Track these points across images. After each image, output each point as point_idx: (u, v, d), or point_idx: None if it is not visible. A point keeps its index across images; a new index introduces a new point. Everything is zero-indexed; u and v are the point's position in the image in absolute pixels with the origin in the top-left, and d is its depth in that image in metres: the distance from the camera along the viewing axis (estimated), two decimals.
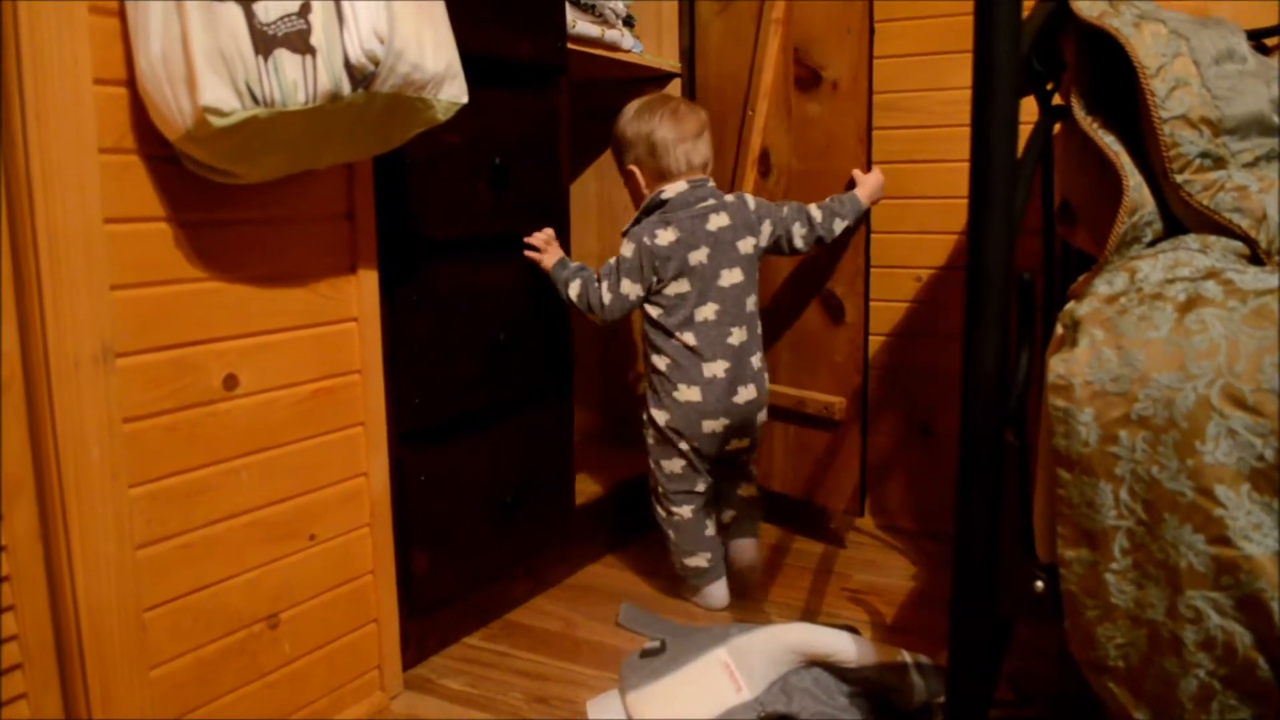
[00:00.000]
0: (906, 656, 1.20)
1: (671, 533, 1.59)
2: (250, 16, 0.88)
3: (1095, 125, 1.00)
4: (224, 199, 1.04)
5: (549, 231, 1.53)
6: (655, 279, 1.50)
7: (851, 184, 1.66)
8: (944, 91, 1.79)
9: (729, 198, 1.56)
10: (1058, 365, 0.75)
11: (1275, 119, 0.99)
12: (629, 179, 1.59)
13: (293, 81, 0.89)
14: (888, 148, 1.82)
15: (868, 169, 1.65)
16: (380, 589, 1.28)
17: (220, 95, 0.87)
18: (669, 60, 1.93)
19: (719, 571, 1.58)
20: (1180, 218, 0.98)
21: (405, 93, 0.98)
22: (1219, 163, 0.97)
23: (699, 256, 1.50)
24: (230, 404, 1.07)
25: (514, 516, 1.51)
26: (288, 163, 1.03)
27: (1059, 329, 0.79)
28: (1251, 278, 0.74)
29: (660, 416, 1.54)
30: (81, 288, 0.91)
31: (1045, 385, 0.75)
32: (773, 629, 1.27)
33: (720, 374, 1.52)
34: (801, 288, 1.78)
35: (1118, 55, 0.98)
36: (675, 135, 1.52)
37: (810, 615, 1.55)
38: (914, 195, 1.84)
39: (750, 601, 1.61)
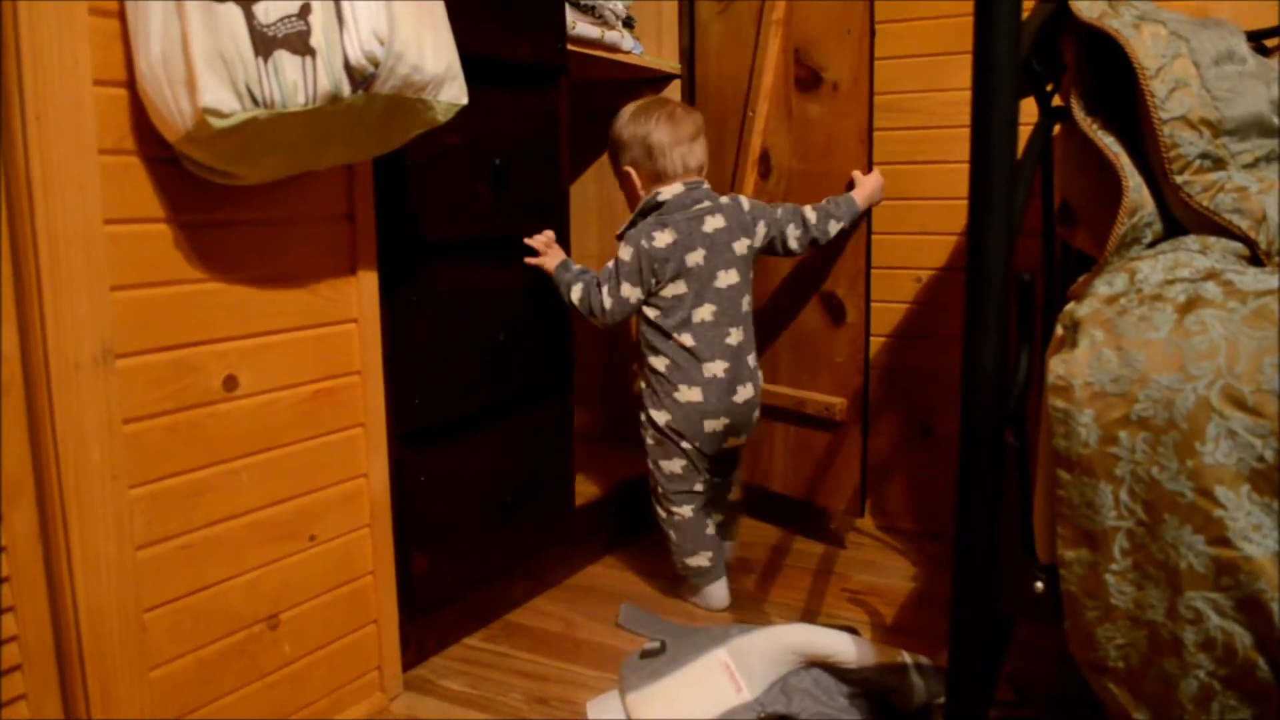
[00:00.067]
0: (906, 657, 1.20)
1: (672, 533, 1.59)
2: (250, 18, 0.88)
3: (1095, 126, 1.00)
4: (224, 200, 1.04)
5: (549, 233, 1.53)
6: (654, 281, 1.51)
7: (851, 185, 1.66)
8: (945, 93, 1.79)
9: (724, 199, 1.57)
10: (1058, 366, 0.75)
11: (1275, 120, 0.99)
12: (625, 180, 1.60)
13: (293, 83, 0.89)
14: (888, 149, 1.82)
15: (868, 170, 1.65)
16: (380, 590, 1.28)
17: (220, 97, 0.87)
18: (669, 61, 1.93)
19: (720, 571, 1.59)
20: (1180, 219, 0.98)
21: (405, 94, 0.98)
22: (1219, 164, 0.97)
23: (696, 258, 1.51)
24: (230, 405, 1.07)
25: (514, 517, 1.51)
26: (287, 164, 1.03)
27: (1059, 330, 0.79)
28: (1251, 279, 0.74)
29: (660, 417, 1.54)
30: (81, 289, 0.91)
31: (1045, 386, 0.75)
32: (773, 630, 1.27)
33: (720, 374, 1.52)
34: (802, 289, 1.78)
35: (1118, 56, 0.98)
36: (671, 138, 1.53)
37: (810, 616, 1.55)
38: (915, 196, 1.84)
39: (750, 602, 1.61)
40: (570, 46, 1.57)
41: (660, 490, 1.59)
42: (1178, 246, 0.93)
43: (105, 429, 0.93)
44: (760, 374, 1.61)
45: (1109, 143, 0.99)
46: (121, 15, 0.93)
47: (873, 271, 1.83)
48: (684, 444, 1.54)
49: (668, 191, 1.53)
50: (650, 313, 1.53)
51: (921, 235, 1.85)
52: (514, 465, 1.51)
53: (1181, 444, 0.68)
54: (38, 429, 0.90)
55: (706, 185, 1.57)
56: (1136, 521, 0.71)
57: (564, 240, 1.57)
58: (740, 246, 1.55)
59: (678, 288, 1.51)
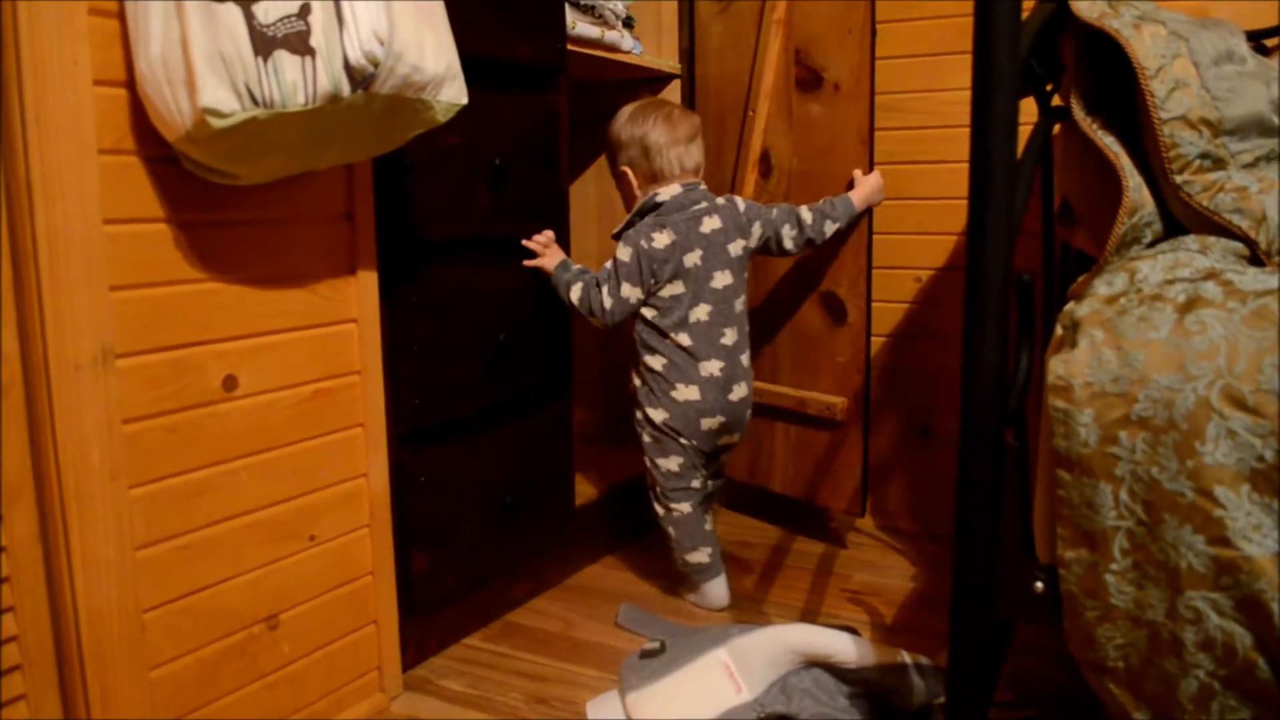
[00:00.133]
0: (906, 657, 1.20)
1: (672, 529, 1.59)
2: (250, 18, 0.88)
3: (1095, 126, 1.00)
4: (223, 200, 1.04)
5: (549, 233, 1.53)
6: (653, 281, 1.51)
7: (851, 185, 1.66)
8: (945, 92, 1.79)
9: (720, 200, 1.58)
10: (1057, 366, 0.75)
11: (1275, 120, 0.99)
12: (621, 180, 1.61)
13: (292, 83, 0.89)
14: (889, 149, 1.82)
15: (869, 170, 1.65)
16: (380, 590, 1.28)
17: (220, 96, 0.87)
18: (668, 61, 1.93)
19: (719, 567, 1.59)
20: (1180, 218, 0.98)
21: (405, 94, 0.98)
22: (1219, 163, 0.97)
23: (693, 259, 1.52)
24: (230, 405, 1.07)
25: (514, 517, 1.51)
26: (287, 164, 1.03)
27: (1059, 330, 0.79)
28: (1251, 279, 0.74)
29: (657, 415, 1.55)
30: (81, 289, 0.91)
31: (1045, 386, 0.75)
32: (773, 629, 1.27)
33: (716, 373, 1.54)
34: (803, 288, 1.78)
35: (1117, 56, 0.98)
36: (668, 139, 1.54)
37: (810, 616, 1.55)
38: (915, 196, 1.84)
39: (750, 602, 1.61)
40: (570, 46, 1.57)
41: (658, 488, 1.60)
42: (1177, 246, 0.93)
43: (105, 429, 0.93)
44: (752, 373, 1.62)
45: (1109, 142, 0.99)
46: (121, 15, 0.93)
47: (873, 271, 1.83)
48: (682, 441, 1.55)
49: (666, 193, 1.54)
50: (647, 313, 1.54)
51: (922, 235, 1.85)
52: (514, 465, 1.51)
53: (1181, 444, 0.68)
54: (37, 429, 0.90)
55: (703, 186, 1.58)
56: (1136, 521, 0.71)
57: (563, 240, 1.57)
58: (735, 248, 1.56)
59: (675, 288, 1.52)
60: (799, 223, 1.60)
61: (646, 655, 1.34)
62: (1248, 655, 0.67)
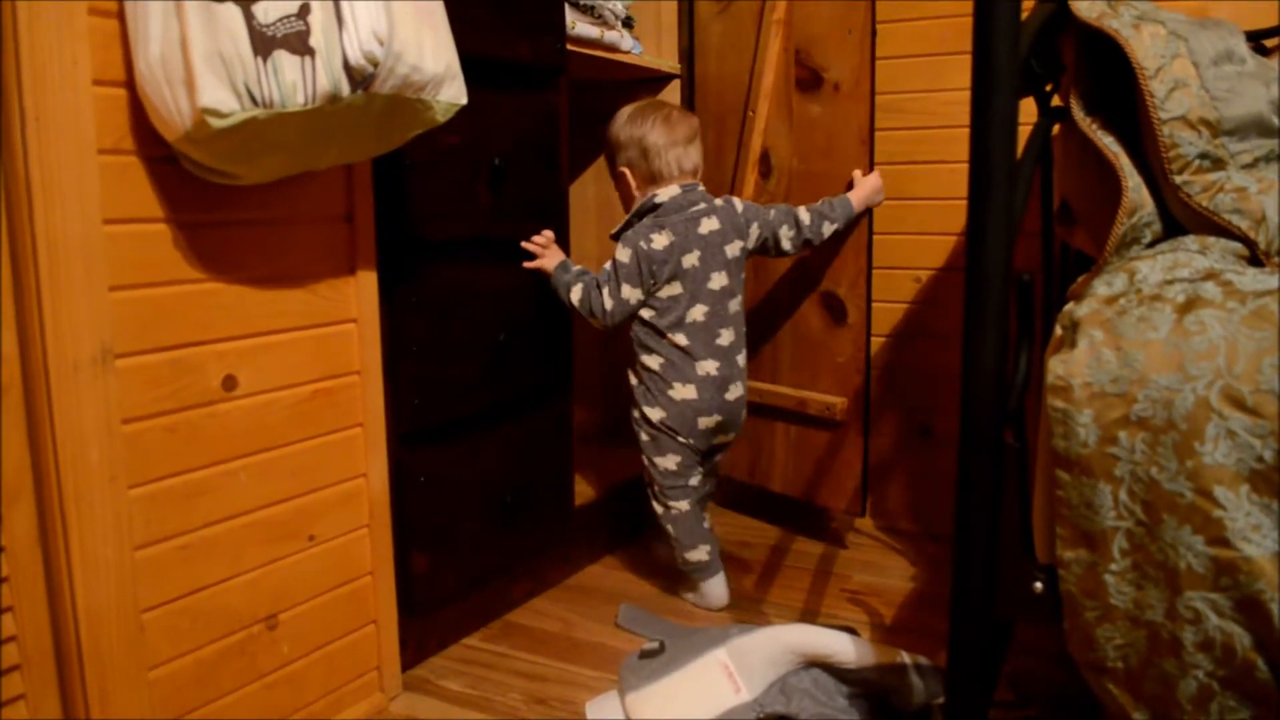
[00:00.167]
0: (906, 657, 1.20)
1: (671, 527, 1.60)
2: (249, 18, 0.88)
3: (1094, 126, 1.00)
4: (223, 200, 1.04)
5: (549, 233, 1.53)
6: (652, 282, 1.52)
7: (851, 186, 1.66)
8: (946, 93, 1.79)
9: (719, 202, 1.58)
10: (1057, 366, 0.75)
11: (1274, 120, 0.99)
12: (620, 181, 1.62)
13: (292, 83, 0.89)
14: (889, 149, 1.82)
15: (869, 170, 1.65)
16: (379, 590, 1.27)
17: (219, 97, 0.87)
18: (668, 61, 1.93)
19: (718, 565, 1.60)
20: (1179, 219, 0.98)
21: (404, 94, 0.98)
22: (1218, 164, 0.97)
23: (691, 260, 1.52)
24: (229, 405, 1.07)
25: (513, 517, 1.51)
26: (287, 164, 1.03)
27: (1058, 330, 0.79)
28: (1250, 279, 0.74)
29: (654, 414, 1.56)
30: (80, 289, 0.91)
31: (1044, 386, 0.75)
32: (772, 630, 1.27)
33: (713, 372, 1.54)
34: (804, 289, 1.78)
35: (1117, 56, 0.98)
36: (667, 140, 1.54)
37: (810, 616, 1.55)
38: (915, 196, 1.84)
39: (749, 602, 1.61)
40: (570, 46, 1.57)
41: (656, 486, 1.60)
42: (1177, 247, 0.93)
43: (104, 429, 0.93)
44: (747, 373, 1.63)
45: (1108, 143, 0.99)
46: (120, 15, 0.93)
47: (874, 271, 1.83)
48: (679, 439, 1.55)
49: (664, 194, 1.54)
50: (645, 313, 1.54)
51: (922, 235, 1.85)
52: (513, 465, 1.51)
53: (1181, 444, 0.68)
54: (37, 429, 0.90)
55: (702, 188, 1.58)
56: (1136, 522, 0.71)
57: (563, 240, 1.57)
58: (733, 249, 1.56)
59: (673, 289, 1.52)
60: (797, 224, 1.60)
61: (646, 655, 1.34)
62: (1247, 656, 0.67)
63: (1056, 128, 1.15)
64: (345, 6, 0.90)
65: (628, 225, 1.56)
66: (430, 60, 0.99)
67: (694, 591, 1.61)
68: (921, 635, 1.46)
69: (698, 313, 1.53)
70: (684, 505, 1.59)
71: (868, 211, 1.67)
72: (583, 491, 1.77)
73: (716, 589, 1.59)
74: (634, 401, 1.60)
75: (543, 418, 1.57)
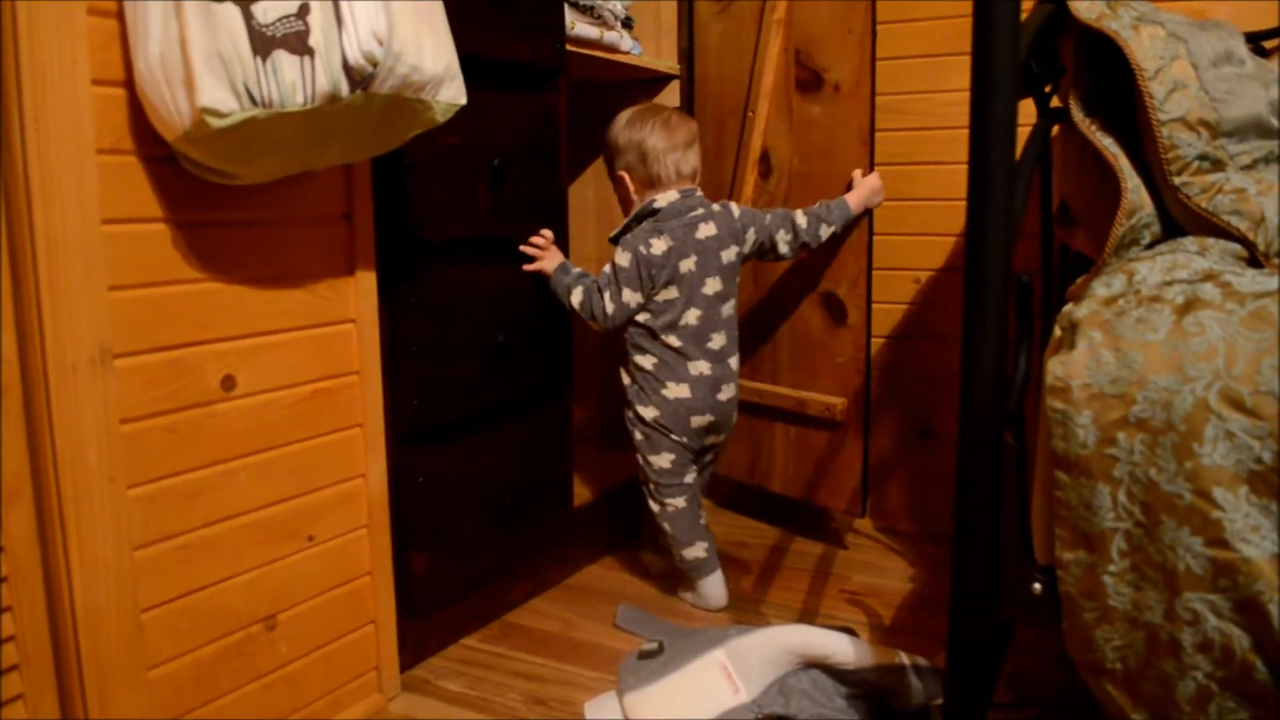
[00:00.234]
0: (904, 658, 1.20)
1: (668, 525, 1.60)
2: (249, 18, 0.88)
3: (1093, 127, 1.00)
4: (222, 200, 1.04)
5: (548, 234, 1.53)
6: (650, 286, 1.52)
7: (850, 187, 1.66)
8: (946, 94, 1.79)
9: (716, 207, 1.59)
10: (1056, 367, 0.75)
11: (1273, 121, 0.99)
12: (619, 184, 1.62)
13: (291, 83, 0.89)
14: (889, 149, 1.82)
15: (869, 171, 1.65)
16: (378, 590, 1.27)
17: (218, 96, 0.87)
18: (668, 62, 1.93)
19: (716, 563, 1.60)
20: (1178, 220, 0.98)
21: (404, 94, 0.98)
22: (1217, 165, 0.97)
23: (688, 264, 1.53)
24: (228, 405, 1.06)
25: (513, 518, 1.51)
26: (286, 164, 1.03)
27: (1057, 331, 0.79)
28: (1249, 280, 0.74)
29: (648, 413, 1.56)
30: (79, 289, 0.90)
31: (1044, 387, 0.75)
32: (771, 630, 1.27)
33: (706, 372, 1.56)
34: (804, 289, 1.78)
35: (1116, 58, 0.98)
36: (666, 144, 1.55)
37: (808, 617, 1.55)
38: (915, 197, 1.84)
39: (748, 602, 1.61)
40: (569, 47, 1.57)
41: (651, 485, 1.61)
42: (1176, 248, 0.93)
43: (103, 429, 0.93)
44: (738, 375, 1.63)
45: (1107, 144, 0.99)
46: (120, 15, 0.93)
47: (873, 272, 1.83)
48: (673, 437, 1.56)
49: (663, 199, 1.55)
50: (641, 316, 1.55)
51: (922, 236, 1.85)
52: (513, 466, 1.51)
53: (1180, 445, 0.68)
54: (36, 429, 0.90)
55: (700, 193, 1.59)
56: (1134, 523, 0.71)
57: (562, 241, 1.57)
58: (728, 255, 1.57)
59: (670, 293, 1.53)
60: (793, 228, 1.61)
61: (645, 656, 1.34)
62: (1245, 657, 0.67)
63: (1056, 129, 1.15)
64: (344, 6, 0.90)
65: (626, 229, 1.57)
66: (430, 60, 0.99)
67: (692, 591, 1.61)
68: (920, 636, 1.46)
69: (691, 316, 1.54)
70: (680, 502, 1.59)
71: (867, 213, 1.67)
72: (582, 492, 1.77)
73: (714, 588, 1.59)
74: (627, 401, 1.61)
75: (542, 418, 1.57)
